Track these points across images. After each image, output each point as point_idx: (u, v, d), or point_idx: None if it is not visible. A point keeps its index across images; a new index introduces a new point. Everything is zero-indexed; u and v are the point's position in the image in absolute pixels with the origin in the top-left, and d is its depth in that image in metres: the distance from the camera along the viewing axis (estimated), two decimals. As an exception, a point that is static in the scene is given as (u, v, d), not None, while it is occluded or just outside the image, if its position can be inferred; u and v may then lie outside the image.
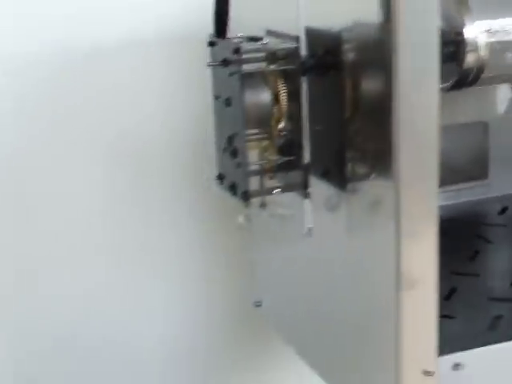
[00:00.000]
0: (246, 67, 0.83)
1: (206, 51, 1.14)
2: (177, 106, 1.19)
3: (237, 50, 0.81)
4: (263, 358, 1.34)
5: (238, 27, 0.90)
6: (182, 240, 1.25)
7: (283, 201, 0.95)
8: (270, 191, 0.87)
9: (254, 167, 0.88)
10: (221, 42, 0.86)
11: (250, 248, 1.14)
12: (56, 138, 1.14)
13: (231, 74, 0.84)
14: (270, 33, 0.90)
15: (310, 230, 0.92)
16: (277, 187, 0.87)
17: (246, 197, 0.85)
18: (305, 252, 0.94)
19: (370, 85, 0.78)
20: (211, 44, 0.88)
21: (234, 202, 0.91)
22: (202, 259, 1.27)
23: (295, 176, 0.88)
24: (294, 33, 0.86)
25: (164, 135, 1.20)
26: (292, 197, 0.92)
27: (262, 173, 0.87)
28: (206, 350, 1.31)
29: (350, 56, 0.79)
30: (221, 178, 0.92)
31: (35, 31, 1.09)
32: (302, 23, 0.85)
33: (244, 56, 0.82)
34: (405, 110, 0.72)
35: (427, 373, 0.78)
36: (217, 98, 0.90)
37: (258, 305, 1.14)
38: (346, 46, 0.79)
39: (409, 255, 0.75)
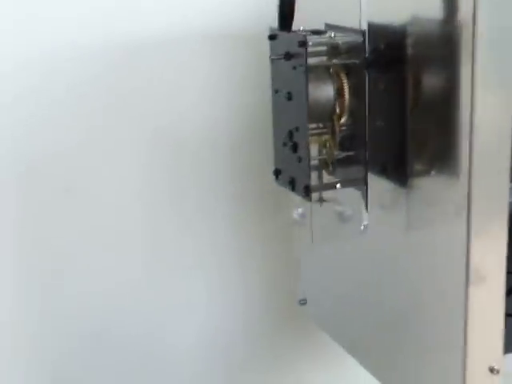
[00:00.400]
0: (311, 61, 0.82)
1: (249, 46, 1.15)
2: (217, 100, 1.19)
3: (303, 43, 0.81)
4: (303, 351, 1.33)
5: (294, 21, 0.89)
6: (220, 231, 1.24)
7: (339, 197, 0.94)
8: (331, 186, 0.86)
9: (313, 162, 0.87)
10: (282, 36, 0.85)
11: (295, 246, 1.14)
12: (101, 130, 1.13)
13: (294, 68, 0.83)
14: (328, 27, 0.90)
15: (366, 226, 0.91)
16: (338, 182, 0.86)
17: (307, 192, 0.84)
18: (361, 249, 0.93)
19: (437, 80, 0.77)
20: (272, 37, 0.88)
21: (284, 195, 0.91)
22: (240, 250, 1.26)
23: (355, 171, 0.88)
24: (354, 27, 0.85)
25: (203, 128, 1.19)
26: (348, 193, 0.91)
27: (322, 168, 0.87)
28: (245, 342, 1.30)
29: (416, 51, 0.79)
30: (277, 173, 0.91)
31: (83, 26, 1.08)
32: (364, 17, 0.85)
33: (310, 49, 0.81)
34: (479, 105, 0.71)
35: (493, 370, 0.77)
36: (276, 91, 0.89)
37: (303, 303, 1.14)
38: (412, 41, 0.79)
39: (479, 250, 0.74)
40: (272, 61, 0.88)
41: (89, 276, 1.19)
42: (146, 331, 1.24)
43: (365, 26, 0.85)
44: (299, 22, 0.88)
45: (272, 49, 0.89)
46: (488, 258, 0.75)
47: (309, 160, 0.84)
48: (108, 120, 1.14)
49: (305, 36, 0.81)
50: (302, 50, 0.81)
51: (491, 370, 0.77)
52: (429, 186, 0.80)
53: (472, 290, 0.75)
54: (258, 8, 1.16)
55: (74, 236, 1.16)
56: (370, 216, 0.90)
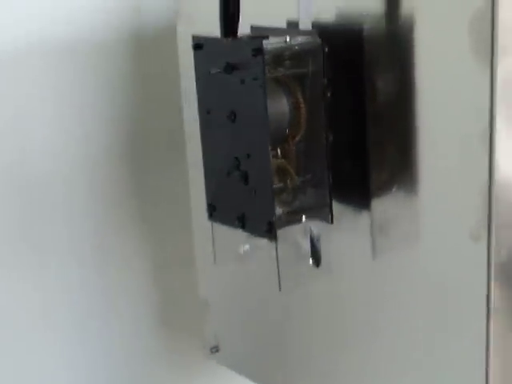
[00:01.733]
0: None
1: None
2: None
3: (259, 51, 0.65)
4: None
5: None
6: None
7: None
8: (296, 220, 0.72)
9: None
10: (220, 43, 0.69)
11: (200, 287, 0.98)
12: None
13: (243, 82, 0.68)
14: (256, 29, 0.76)
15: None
16: (302, 214, 0.72)
17: (272, 230, 0.69)
18: (318, 287, 0.80)
19: (399, 84, 0.67)
20: (198, 47, 0.72)
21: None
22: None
23: (314, 198, 0.74)
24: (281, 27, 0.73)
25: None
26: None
27: (281, 198, 0.72)
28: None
29: (377, 52, 0.68)
30: (212, 209, 0.76)
31: None
32: (306, 16, 0.72)
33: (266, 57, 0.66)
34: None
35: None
36: (208, 112, 0.73)
37: (214, 351, 0.99)
38: (370, 39, 0.68)
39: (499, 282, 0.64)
40: (201, 75, 0.72)
41: None
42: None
43: (307, 26, 0.72)
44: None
45: (197, 61, 0.73)
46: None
47: (272, 192, 0.69)
48: None
49: (261, 42, 0.65)
50: (257, 59, 0.66)
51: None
52: (393, 204, 0.70)
53: (493, 325, 0.64)
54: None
55: None
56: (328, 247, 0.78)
